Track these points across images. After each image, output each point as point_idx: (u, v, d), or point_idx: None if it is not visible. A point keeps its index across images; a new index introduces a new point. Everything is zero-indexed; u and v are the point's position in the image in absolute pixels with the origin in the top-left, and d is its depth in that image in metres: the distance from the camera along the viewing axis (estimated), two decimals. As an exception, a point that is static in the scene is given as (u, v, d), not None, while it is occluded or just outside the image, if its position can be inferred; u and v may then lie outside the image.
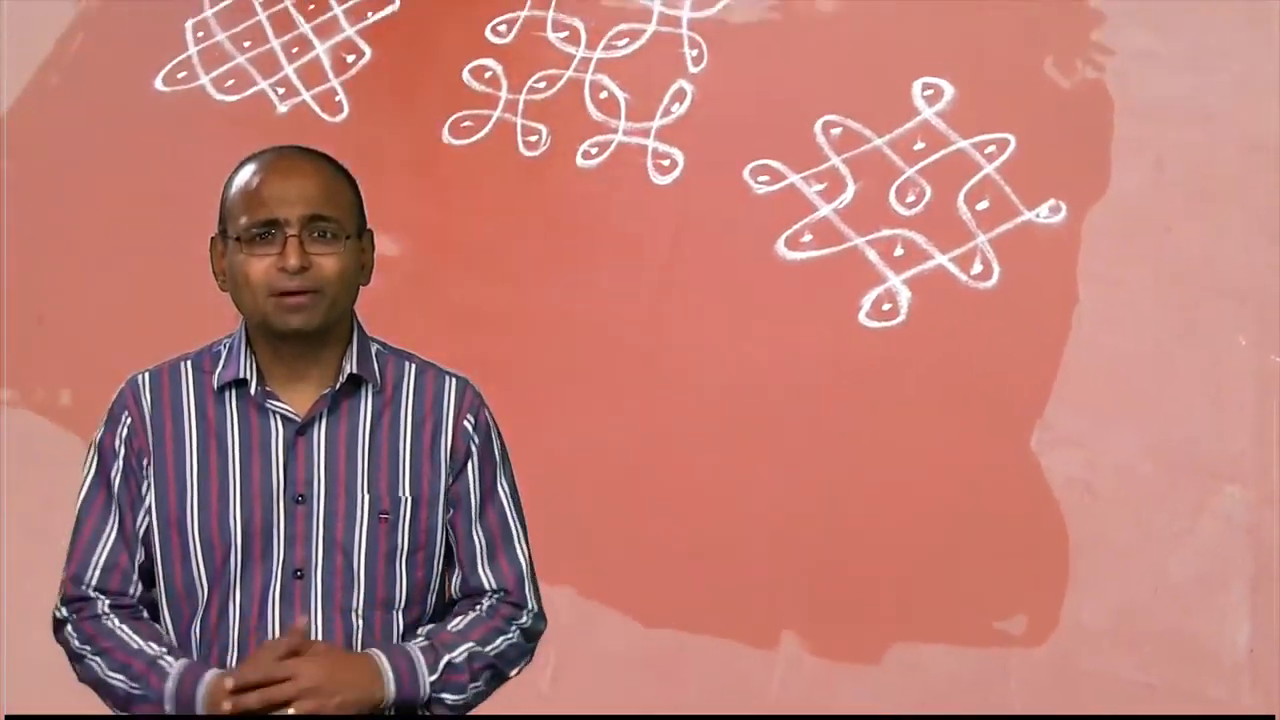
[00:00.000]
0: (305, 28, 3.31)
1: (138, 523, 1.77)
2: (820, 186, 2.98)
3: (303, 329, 1.72)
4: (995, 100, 3.04)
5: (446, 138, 3.10)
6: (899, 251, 2.90)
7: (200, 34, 3.32)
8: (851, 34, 3.15)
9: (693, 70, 3.16)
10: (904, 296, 2.83)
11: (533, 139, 3.10)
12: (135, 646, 1.72)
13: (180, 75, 3.27)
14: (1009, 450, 2.60)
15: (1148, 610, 2.46)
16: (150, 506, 1.77)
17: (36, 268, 2.99)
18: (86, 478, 1.80)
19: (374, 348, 1.80)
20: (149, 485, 1.76)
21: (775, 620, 2.45)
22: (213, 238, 1.77)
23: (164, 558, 1.76)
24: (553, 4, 3.26)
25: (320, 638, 1.73)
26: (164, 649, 1.73)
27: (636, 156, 3.05)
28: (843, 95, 3.07)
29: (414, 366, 1.81)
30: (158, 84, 3.24)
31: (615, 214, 2.98)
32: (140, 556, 1.77)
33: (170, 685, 1.69)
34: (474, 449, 1.80)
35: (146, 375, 1.80)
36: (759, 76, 3.14)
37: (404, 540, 1.77)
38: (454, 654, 1.71)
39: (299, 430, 1.76)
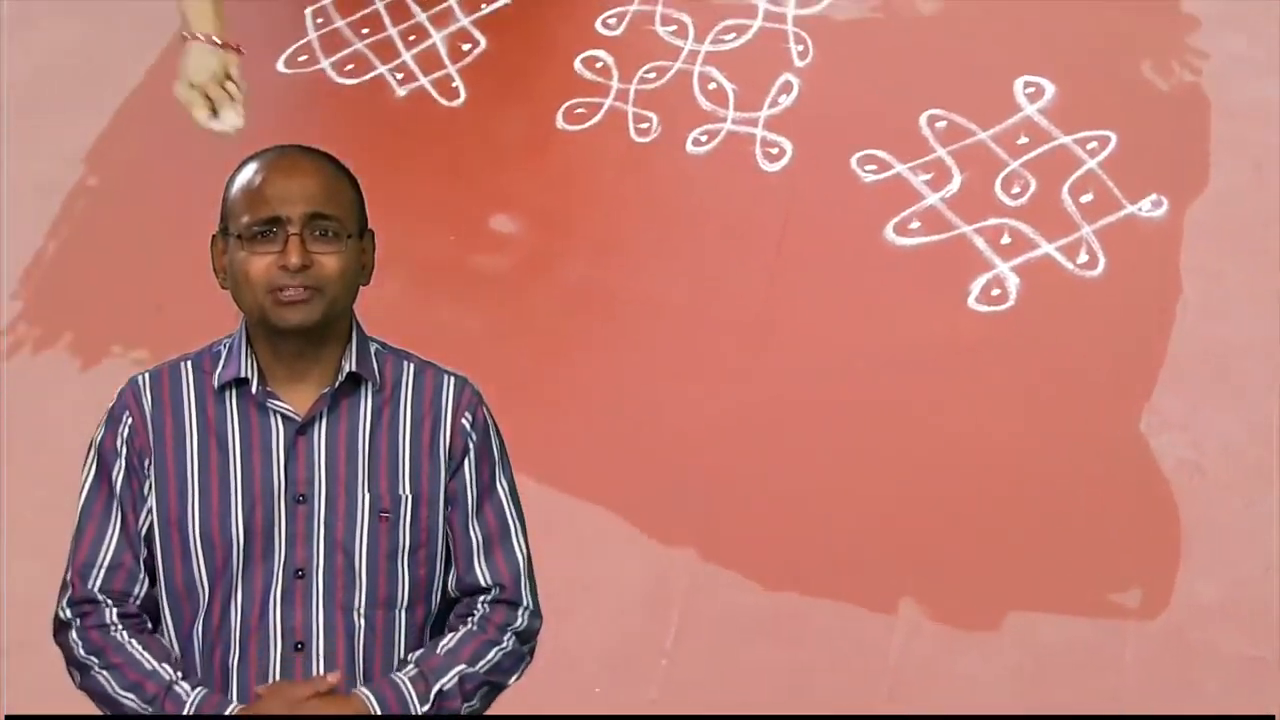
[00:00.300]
0: (421, 17, 3.41)
1: (140, 522, 1.78)
2: (927, 176, 3.06)
3: (302, 324, 1.73)
4: (1095, 99, 3.12)
5: (561, 124, 3.20)
6: (1006, 240, 2.98)
7: (320, 20, 3.42)
8: (953, 33, 3.24)
9: (798, 64, 3.26)
10: (1012, 283, 2.91)
11: (644, 126, 3.19)
12: (149, 667, 1.73)
13: (301, 59, 3.37)
14: (1120, 431, 2.66)
15: (1258, 587, 2.51)
16: (151, 507, 1.77)
17: (156, 251, 3.08)
18: (87, 479, 1.80)
19: (373, 347, 1.82)
20: (150, 486, 1.77)
21: (894, 587, 2.51)
22: (213, 235, 1.79)
23: (165, 558, 1.77)
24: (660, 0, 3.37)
25: (323, 637, 1.74)
26: (178, 673, 1.74)
27: (745, 144, 3.14)
28: (946, 91, 3.16)
29: (412, 365, 1.82)
30: (279, 66, 3.34)
31: (726, 199, 3.07)
32: (144, 555, 1.77)
33: (188, 714, 1.70)
34: (471, 446, 1.80)
35: (147, 376, 1.81)
36: (863, 71, 3.23)
37: (405, 539, 1.77)
38: (445, 679, 1.72)
39: (299, 430, 1.77)
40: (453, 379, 1.83)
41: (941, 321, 2.86)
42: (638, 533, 2.59)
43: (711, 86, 3.24)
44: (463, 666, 1.73)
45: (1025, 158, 3.06)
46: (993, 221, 2.99)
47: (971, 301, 2.89)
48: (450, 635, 1.77)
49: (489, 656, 1.75)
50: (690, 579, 2.53)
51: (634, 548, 2.57)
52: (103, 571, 1.77)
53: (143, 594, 1.78)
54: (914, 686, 2.43)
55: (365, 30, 3.40)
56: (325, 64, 3.37)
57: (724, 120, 3.18)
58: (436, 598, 1.81)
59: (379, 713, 1.68)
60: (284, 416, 1.77)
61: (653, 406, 2.75)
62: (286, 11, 3.45)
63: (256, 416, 1.77)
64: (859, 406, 2.73)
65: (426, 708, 1.70)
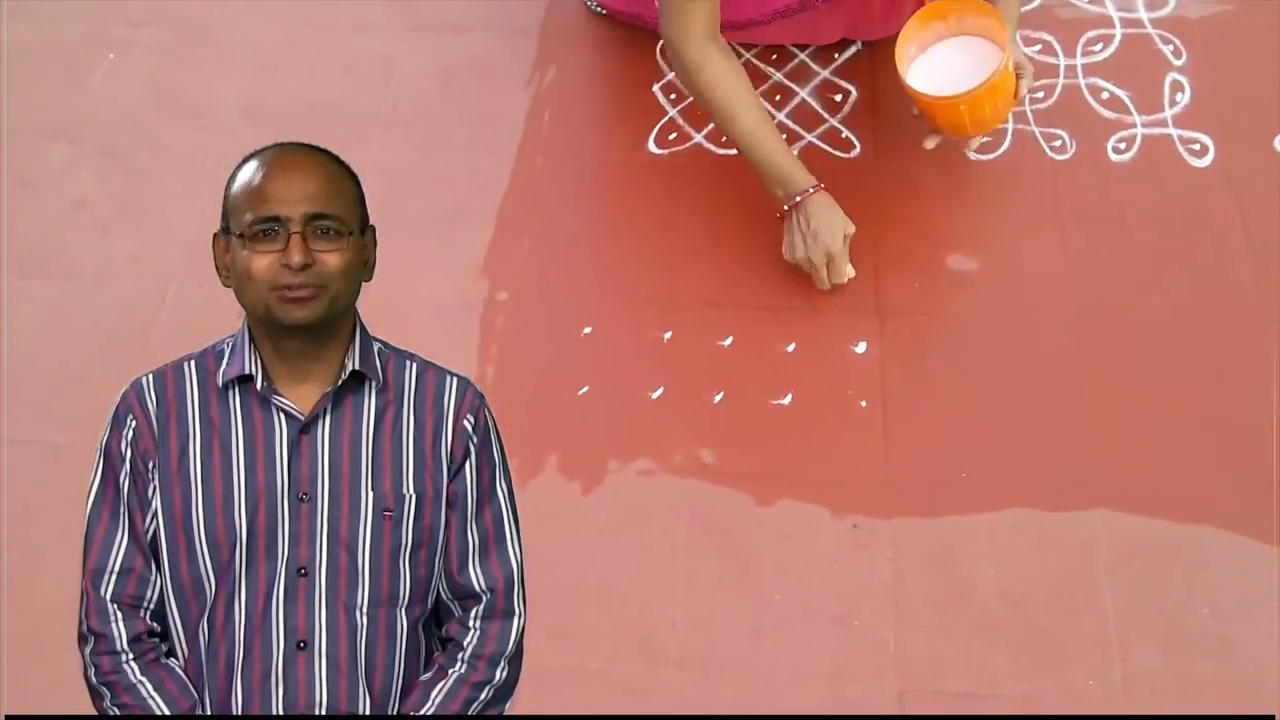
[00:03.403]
0: (778, 76, 3.30)
1: (146, 523, 1.78)
2: (1353, 143, 3.09)
3: (306, 321, 1.73)
4: None
5: (972, 154, 3.11)
6: None
7: (673, 96, 3.26)
8: (1305, 12, 3.29)
9: (1176, 63, 3.26)
10: None
11: (1056, 144, 3.13)
12: (158, 715, 1.74)
13: (671, 136, 3.19)
14: None
15: None
16: (156, 508, 1.77)
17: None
18: (94, 483, 1.81)
19: (376, 346, 1.82)
20: (154, 488, 1.76)
21: None
22: (215, 234, 1.80)
23: (170, 557, 1.78)
24: (1014, 22, 3.33)
25: (325, 635, 1.75)
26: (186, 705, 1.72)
27: (1165, 145, 3.10)
28: (1323, 63, 3.21)
29: (415, 366, 1.83)
30: (651, 147, 3.17)
31: (1168, 200, 3.01)
32: (153, 556, 1.79)
33: None
34: (473, 449, 1.81)
35: (150, 377, 1.82)
36: (1243, 59, 3.23)
37: (407, 537, 1.77)
38: None
39: (302, 428, 1.77)
40: (455, 380, 1.83)
41: None
42: (1250, 541, 2.49)
43: (1105, 96, 3.20)
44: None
45: None
46: None
47: None
48: (442, 683, 1.77)
49: (480, 697, 1.77)
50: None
51: (1251, 558, 2.47)
52: (114, 577, 1.76)
53: (155, 596, 1.78)
54: None
55: (725, 98, 3.27)
56: (699, 138, 3.20)
57: (1134, 126, 3.14)
58: (433, 596, 1.82)
59: None
60: (287, 415, 1.77)
61: (1209, 413, 2.66)
62: (634, 92, 3.30)
63: (260, 414, 1.77)
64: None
65: None
